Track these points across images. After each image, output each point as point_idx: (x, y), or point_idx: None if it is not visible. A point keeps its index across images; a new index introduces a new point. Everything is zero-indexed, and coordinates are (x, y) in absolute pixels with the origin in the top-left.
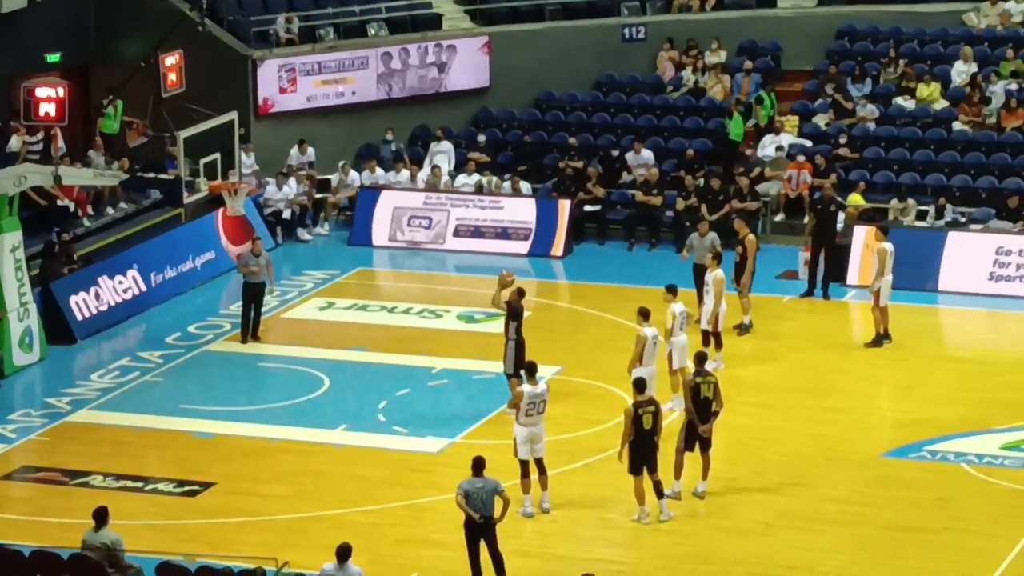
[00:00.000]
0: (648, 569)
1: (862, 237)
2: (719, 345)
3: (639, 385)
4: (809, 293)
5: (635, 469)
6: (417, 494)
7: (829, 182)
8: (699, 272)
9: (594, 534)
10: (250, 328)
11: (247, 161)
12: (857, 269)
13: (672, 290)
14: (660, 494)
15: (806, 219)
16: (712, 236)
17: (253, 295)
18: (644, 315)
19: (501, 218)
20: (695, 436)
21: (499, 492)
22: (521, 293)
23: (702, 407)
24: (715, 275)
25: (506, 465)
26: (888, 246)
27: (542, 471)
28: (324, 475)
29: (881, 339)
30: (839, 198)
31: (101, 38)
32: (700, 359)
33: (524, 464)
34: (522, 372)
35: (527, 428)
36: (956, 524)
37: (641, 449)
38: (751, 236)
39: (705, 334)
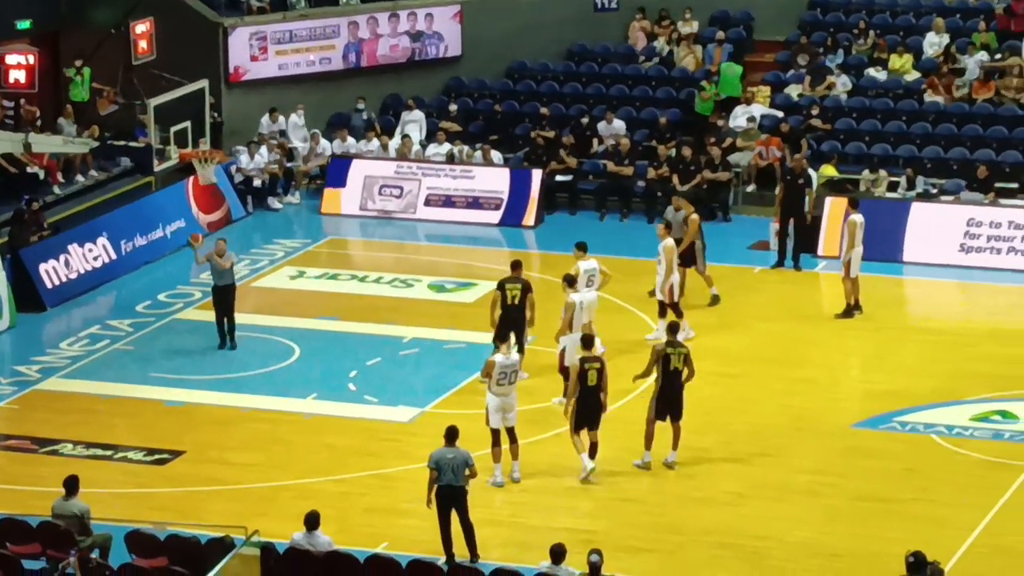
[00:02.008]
0: (618, 539)
1: (833, 208)
2: (679, 315)
3: (586, 342)
4: (779, 264)
5: (578, 425)
6: (387, 463)
7: (802, 155)
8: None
9: (564, 504)
10: (226, 336)
11: (298, 122)
12: (829, 240)
13: (582, 247)
14: (592, 454)
15: (777, 190)
16: (685, 212)
17: (220, 300)
18: (569, 282)
19: (472, 187)
20: (666, 406)
21: (469, 464)
22: (515, 265)
23: (672, 377)
24: (665, 244)
25: (477, 434)
26: (858, 218)
27: (513, 440)
28: (294, 444)
29: (852, 310)
30: (810, 169)
31: (72, 5)
32: (672, 329)
33: (495, 433)
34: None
35: (499, 397)
36: (925, 495)
37: (584, 404)
38: (695, 216)
39: (662, 305)
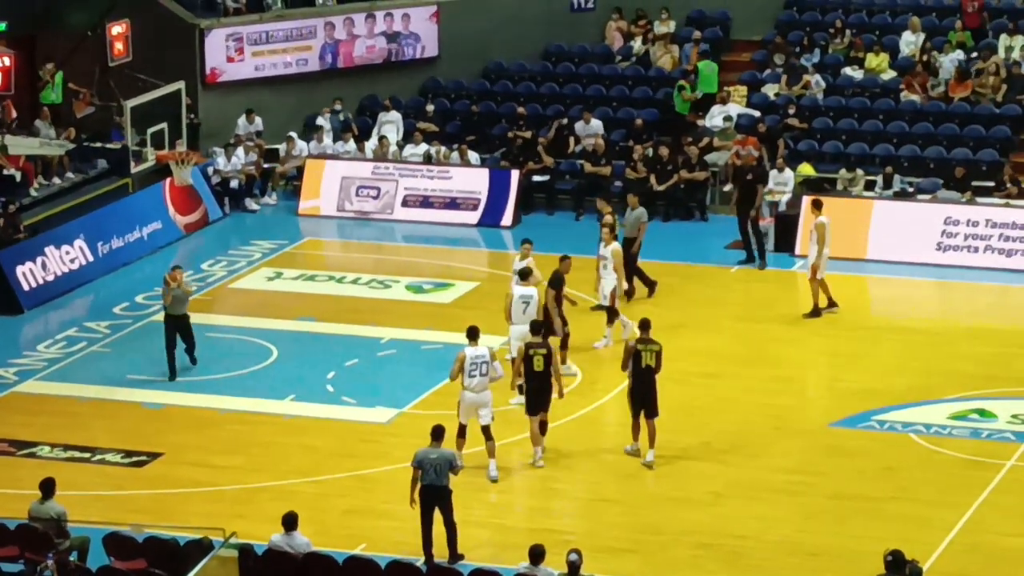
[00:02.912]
0: (597, 539)
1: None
2: (613, 319)
3: (534, 328)
4: (748, 261)
5: (531, 410)
6: (366, 464)
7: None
8: (625, 246)
9: (543, 504)
10: (176, 367)
11: (325, 126)
12: (807, 240)
13: (528, 242)
14: (543, 430)
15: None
16: (640, 210)
17: (179, 329)
18: (523, 276)
19: (450, 188)
20: (639, 402)
21: (452, 465)
22: (563, 260)
23: (644, 374)
24: (612, 248)
25: (451, 436)
26: (825, 219)
27: (488, 438)
28: (272, 445)
29: (819, 310)
30: (759, 166)
31: (47, 7)
32: (644, 326)
33: (462, 427)
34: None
35: (473, 394)
36: (904, 494)
37: (533, 390)
38: (609, 217)
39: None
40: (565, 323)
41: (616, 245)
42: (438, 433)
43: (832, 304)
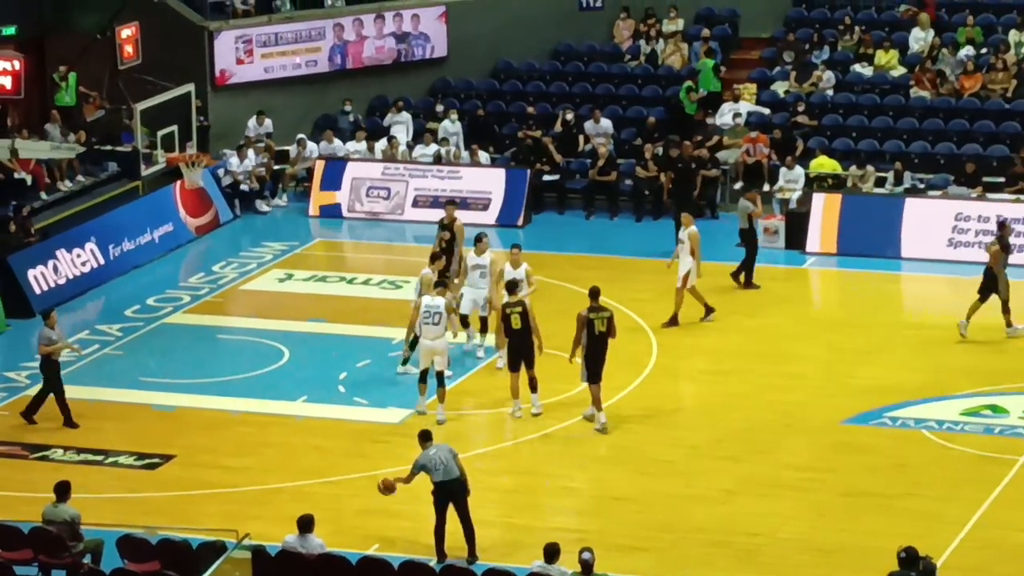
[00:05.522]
0: (610, 537)
1: (821, 204)
2: (486, 331)
3: (510, 287)
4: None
5: (512, 366)
6: (378, 464)
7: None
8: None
9: (555, 503)
10: (61, 410)
11: (452, 128)
12: (817, 237)
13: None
14: (534, 388)
15: (663, 176)
16: (744, 203)
17: (56, 374)
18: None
19: (460, 188)
20: (596, 368)
21: (454, 453)
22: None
23: (597, 340)
24: (491, 257)
25: (468, 432)
26: (696, 230)
27: (440, 384)
28: (285, 447)
29: (677, 319)
30: (691, 158)
31: (56, 10)
32: (593, 294)
33: (423, 372)
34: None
35: (429, 341)
36: (916, 490)
37: (513, 347)
38: (459, 223)
39: (485, 320)
40: (1007, 287)
41: (492, 253)
42: (426, 436)
43: (710, 310)
